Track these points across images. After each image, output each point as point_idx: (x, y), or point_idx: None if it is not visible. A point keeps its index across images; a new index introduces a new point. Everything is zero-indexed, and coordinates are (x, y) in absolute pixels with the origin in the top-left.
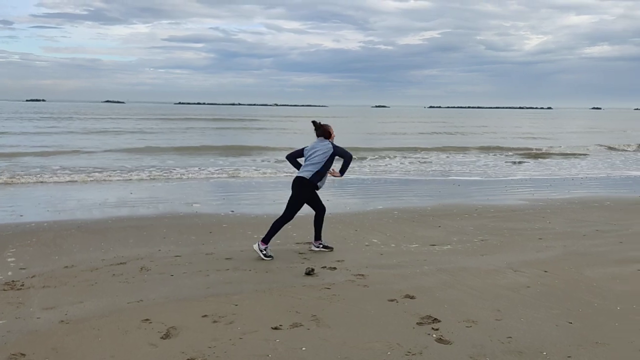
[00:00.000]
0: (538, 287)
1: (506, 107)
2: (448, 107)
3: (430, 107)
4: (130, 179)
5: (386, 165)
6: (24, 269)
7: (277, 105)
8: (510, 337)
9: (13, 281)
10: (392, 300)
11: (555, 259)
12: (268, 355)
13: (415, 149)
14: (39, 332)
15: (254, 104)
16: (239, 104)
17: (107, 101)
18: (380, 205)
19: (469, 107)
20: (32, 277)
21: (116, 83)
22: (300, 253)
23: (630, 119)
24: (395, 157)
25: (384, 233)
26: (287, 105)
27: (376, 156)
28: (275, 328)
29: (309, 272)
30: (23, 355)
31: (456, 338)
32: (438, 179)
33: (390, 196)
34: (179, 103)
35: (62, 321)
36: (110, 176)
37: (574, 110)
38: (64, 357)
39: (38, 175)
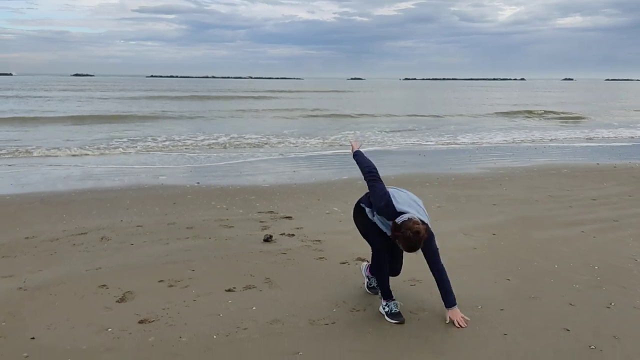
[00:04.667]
0: (484, 249)
1: (480, 79)
2: (423, 79)
3: (406, 79)
4: (103, 153)
5: (353, 138)
6: None
7: (251, 77)
8: None
9: None
10: (343, 263)
11: (505, 222)
12: (219, 315)
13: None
14: None
15: (228, 77)
16: (213, 77)
17: (76, 74)
18: (345, 176)
19: (443, 79)
20: None
21: (85, 56)
22: (261, 222)
23: (604, 90)
24: (373, 127)
25: (345, 202)
26: (262, 78)
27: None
28: (229, 290)
29: (267, 239)
30: None
31: (399, 296)
32: (406, 149)
33: (356, 167)
34: (151, 76)
35: (20, 288)
36: (84, 150)
37: (547, 81)
38: (20, 321)
39: (2, 150)
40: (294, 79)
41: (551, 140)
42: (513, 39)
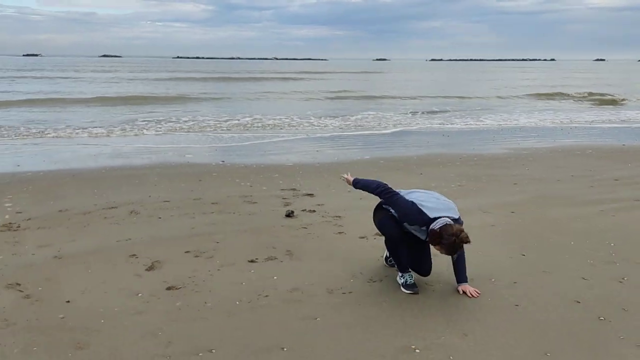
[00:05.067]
0: (502, 226)
1: (509, 60)
2: (450, 60)
3: (432, 59)
4: (127, 134)
5: (382, 118)
6: (20, 212)
7: (276, 59)
8: None
9: (10, 223)
10: (362, 238)
11: (524, 201)
12: (242, 283)
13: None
14: (34, 266)
15: (254, 58)
16: (239, 58)
17: (104, 55)
18: (367, 156)
19: (471, 60)
20: (28, 219)
21: (112, 37)
22: (283, 198)
23: (637, 71)
24: (397, 108)
25: None
26: (287, 59)
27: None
28: (251, 261)
29: (289, 214)
30: (19, 284)
31: None
32: (429, 130)
33: (380, 147)
34: (177, 57)
35: (55, 257)
36: (111, 131)
37: (578, 61)
38: (56, 286)
39: (31, 129)
40: (319, 59)
41: (578, 121)
42: (544, 18)
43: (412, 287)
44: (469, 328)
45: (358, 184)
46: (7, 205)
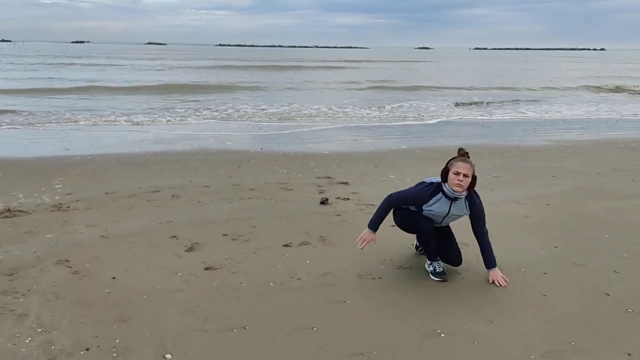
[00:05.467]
0: (535, 218)
1: (556, 49)
2: (494, 49)
3: (476, 48)
4: (170, 121)
5: (424, 108)
6: (69, 194)
7: (317, 47)
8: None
9: (60, 204)
10: (394, 226)
11: (561, 193)
12: (276, 266)
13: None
14: (82, 244)
15: (294, 46)
16: (280, 46)
17: (150, 43)
18: (404, 146)
19: (516, 49)
20: (76, 201)
21: (158, 25)
22: (319, 186)
23: None
24: (437, 99)
25: (402, 170)
26: (328, 47)
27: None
28: (286, 245)
29: (324, 202)
30: (68, 261)
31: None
32: (469, 121)
33: (418, 137)
34: (220, 45)
35: (102, 236)
36: (153, 118)
37: (629, 51)
38: (102, 262)
39: (79, 115)
40: (360, 48)
41: (626, 114)
42: (593, 6)
43: (440, 274)
44: (495, 316)
45: (374, 221)
46: (57, 187)
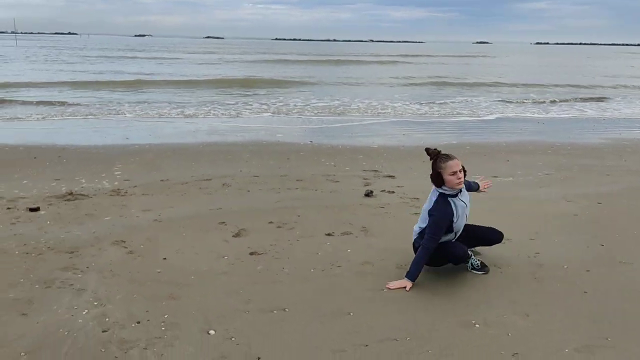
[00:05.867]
0: (585, 216)
1: (624, 44)
2: (557, 44)
3: (538, 43)
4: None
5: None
6: (127, 180)
7: (372, 41)
8: (538, 253)
9: (119, 189)
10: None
11: (614, 193)
12: (318, 254)
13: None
14: (137, 227)
15: (349, 40)
16: (334, 40)
17: (208, 37)
18: (454, 141)
19: (580, 44)
20: (134, 186)
21: (216, 19)
22: (364, 179)
23: None
24: (492, 94)
25: None
26: (383, 41)
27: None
28: (328, 234)
29: (368, 194)
30: (123, 242)
31: (486, 250)
32: (525, 118)
33: (469, 133)
34: (276, 39)
35: (155, 220)
36: (208, 111)
37: None
38: (155, 245)
39: (139, 107)
40: (416, 42)
41: None
42: None
43: (481, 268)
44: (532, 309)
45: (413, 273)
46: (116, 173)
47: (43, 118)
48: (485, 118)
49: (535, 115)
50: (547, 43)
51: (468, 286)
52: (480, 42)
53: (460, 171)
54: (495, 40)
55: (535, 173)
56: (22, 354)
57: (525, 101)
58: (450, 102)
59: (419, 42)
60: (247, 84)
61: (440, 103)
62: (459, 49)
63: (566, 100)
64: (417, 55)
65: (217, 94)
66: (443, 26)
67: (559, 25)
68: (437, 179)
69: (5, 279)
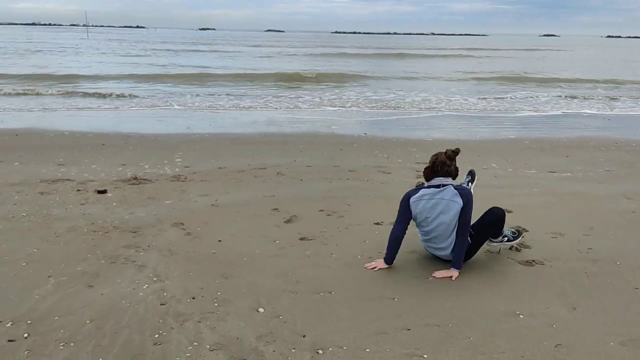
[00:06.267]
0: None
1: None
2: (629, 37)
3: (609, 36)
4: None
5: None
6: (187, 167)
7: (433, 34)
8: (590, 249)
9: (179, 175)
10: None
11: None
12: (365, 241)
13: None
14: (195, 211)
15: (410, 33)
16: (395, 33)
17: (269, 30)
18: (512, 135)
19: None
20: (193, 173)
21: (277, 12)
22: (417, 171)
23: None
24: (554, 90)
25: (506, 159)
26: (445, 35)
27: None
28: (377, 223)
29: (419, 186)
30: (182, 224)
31: (537, 244)
32: (589, 113)
33: (528, 128)
34: (335, 32)
35: (212, 205)
36: (265, 104)
37: None
38: (211, 228)
39: (198, 98)
40: (479, 35)
41: None
42: None
43: (515, 236)
44: (580, 303)
45: (458, 260)
46: (177, 160)
47: (114, 108)
48: (547, 113)
49: (601, 111)
50: (619, 36)
51: (514, 278)
52: (547, 35)
53: None
54: (563, 33)
55: (596, 169)
56: (87, 321)
57: (591, 97)
58: (511, 97)
59: (483, 35)
60: (304, 77)
61: (501, 98)
62: (524, 41)
63: (636, 98)
64: (480, 49)
65: (275, 87)
66: (508, 19)
67: (633, 17)
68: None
69: (75, 254)
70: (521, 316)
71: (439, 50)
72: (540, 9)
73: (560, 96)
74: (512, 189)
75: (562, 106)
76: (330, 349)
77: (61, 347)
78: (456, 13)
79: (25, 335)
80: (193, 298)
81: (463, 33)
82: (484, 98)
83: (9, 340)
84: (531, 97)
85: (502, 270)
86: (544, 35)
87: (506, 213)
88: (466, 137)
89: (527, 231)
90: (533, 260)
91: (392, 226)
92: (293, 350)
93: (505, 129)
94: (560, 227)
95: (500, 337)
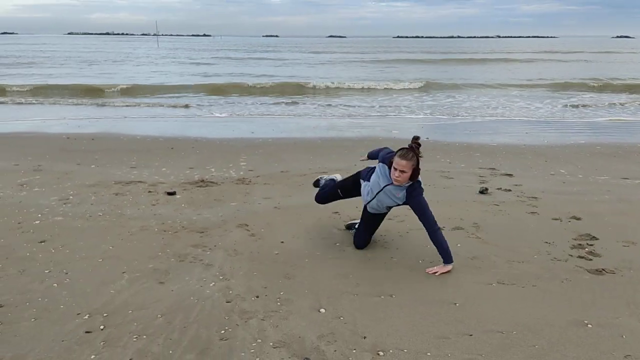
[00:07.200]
0: None
1: None
2: None
3: None
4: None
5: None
6: (251, 170)
7: (499, 37)
8: None
9: (244, 178)
10: (556, 219)
11: None
12: (426, 246)
13: None
14: (258, 212)
15: (474, 37)
16: (458, 37)
17: (330, 36)
18: (582, 140)
19: None
20: (257, 176)
21: (339, 18)
22: (480, 176)
23: None
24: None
25: (575, 165)
26: (511, 37)
27: None
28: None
29: (483, 191)
30: (247, 225)
31: (607, 253)
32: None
33: (599, 133)
34: (397, 37)
35: (275, 207)
36: (324, 110)
37: None
38: (274, 228)
39: (263, 106)
40: (547, 37)
41: None
42: None
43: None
44: None
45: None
46: (242, 164)
47: (183, 116)
48: (622, 118)
49: None
50: None
51: (584, 286)
52: (620, 37)
53: (400, 172)
54: (638, 35)
55: (616, 179)
56: (158, 315)
57: None
58: (578, 102)
59: (551, 36)
60: (364, 83)
61: (571, 102)
62: (596, 43)
63: None
64: (549, 52)
65: (335, 94)
66: (578, 20)
67: None
68: (389, 161)
69: (146, 252)
70: (589, 325)
71: (508, 53)
72: (612, 9)
73: (636, 102)
74: (581, 195)
75: (631, 111)
76: (390, 351)
77: (134, 339)
78: (523, 15)
79: (102, 327)
80: (257, 297)
81: (531, 35)
82: (553, 102)
83: (86, 332)
84: (605, 102)
85: (570, 279)
86: (617, 36)
87: (575, 219)
88: (532, 142)
89: (597, 239)
90: (603, 269)
91: (453, 231)
92: (354, 351)
93: (576, 134)
94: (633, 235)
95: (567, 347)
